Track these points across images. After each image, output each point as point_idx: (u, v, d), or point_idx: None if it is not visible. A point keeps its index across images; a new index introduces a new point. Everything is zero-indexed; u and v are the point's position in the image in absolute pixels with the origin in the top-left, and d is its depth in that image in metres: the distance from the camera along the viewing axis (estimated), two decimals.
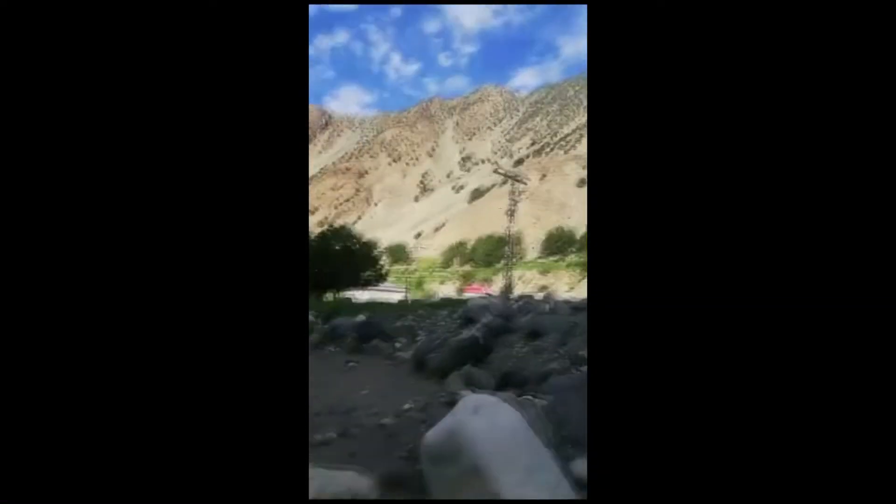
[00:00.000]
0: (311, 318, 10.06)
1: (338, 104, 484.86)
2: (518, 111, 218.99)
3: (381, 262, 30.11)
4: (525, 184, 64.85)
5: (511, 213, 31.38)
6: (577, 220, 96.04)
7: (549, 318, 8.92)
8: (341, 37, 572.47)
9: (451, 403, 3.04)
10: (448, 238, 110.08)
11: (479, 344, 5.63)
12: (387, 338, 8.13)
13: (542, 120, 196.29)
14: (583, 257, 69.21)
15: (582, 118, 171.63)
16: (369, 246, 27.60)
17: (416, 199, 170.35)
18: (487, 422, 1.89)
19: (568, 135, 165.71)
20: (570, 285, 61.49)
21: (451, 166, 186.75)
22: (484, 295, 32.05)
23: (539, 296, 25.52)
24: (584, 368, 4.67)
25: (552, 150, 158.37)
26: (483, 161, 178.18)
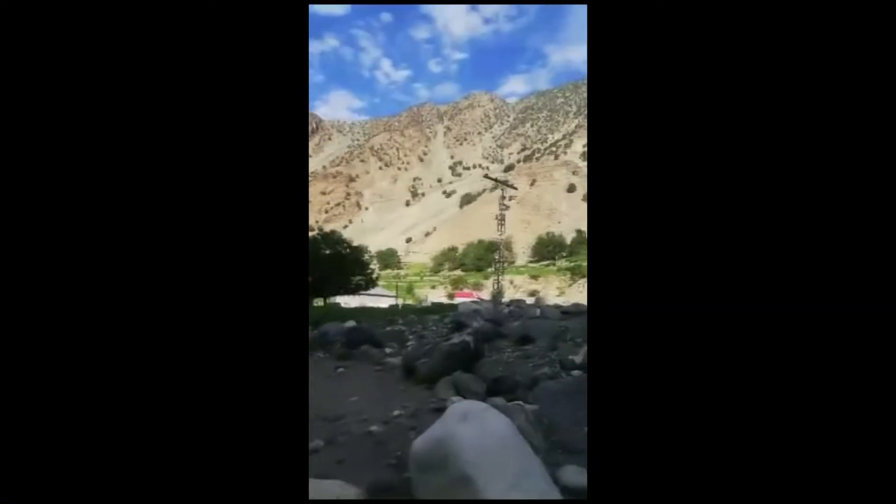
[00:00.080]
0: None
1: (328, 109, 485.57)
2: (508, 118, 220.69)
3: (371, 268, 29.96)
4: (515, 189, 65.15)
5: (501, 219, 31.47)
6: (566, 225, 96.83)
7: (540, 323, 8.96)
8: (331, 42, 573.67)
9: (441, 410, 3.02)
10: (438, 243, 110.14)
11: (469, 349, 5.60)
12: (376, 343, 8.08)
13: (531, 126, 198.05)
14: (572, 262, 69.69)
15: (570, 125, 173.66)
16: (359, 251, 27.44)
17: (407, 203, 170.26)
18: (476, 429, 1.87)
19: (557, 141, 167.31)
20: (560, 290, 61.80)
21: (442, 172, 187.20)
22: (474, 300, 32.09)
23: (530, 300, 25.65)
24: (575, 373, 4.68)
25: (542, 156, 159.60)
26: (473, 166, 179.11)
